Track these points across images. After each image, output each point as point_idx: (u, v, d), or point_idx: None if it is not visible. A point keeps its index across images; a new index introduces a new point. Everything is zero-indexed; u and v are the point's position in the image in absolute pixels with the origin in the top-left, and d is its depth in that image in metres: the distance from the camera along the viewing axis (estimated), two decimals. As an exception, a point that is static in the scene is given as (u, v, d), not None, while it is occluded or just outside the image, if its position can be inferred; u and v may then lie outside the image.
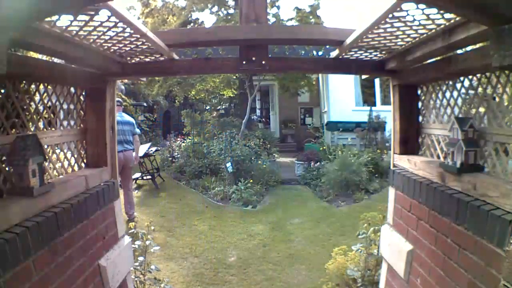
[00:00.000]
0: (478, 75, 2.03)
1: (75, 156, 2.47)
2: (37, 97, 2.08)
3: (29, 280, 1.55)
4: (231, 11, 12.35)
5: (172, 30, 8.78)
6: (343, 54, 2.52)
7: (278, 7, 12.40)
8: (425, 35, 1.91)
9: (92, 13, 1.55)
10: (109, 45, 2.10)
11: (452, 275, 1.87)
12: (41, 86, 2.12)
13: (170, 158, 11.36)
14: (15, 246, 1.46)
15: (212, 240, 5.90)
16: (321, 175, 8.76)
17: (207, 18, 36.98)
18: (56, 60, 2.18)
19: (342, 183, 8.08)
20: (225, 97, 15.25)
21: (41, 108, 2.10)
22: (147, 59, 2.56)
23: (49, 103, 2.18)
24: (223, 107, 17.40)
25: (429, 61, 2.26)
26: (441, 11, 1.54)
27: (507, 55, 1.22)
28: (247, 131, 11.90)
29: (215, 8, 12.53)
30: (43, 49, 1.77)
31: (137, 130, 6.86)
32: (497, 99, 1.87)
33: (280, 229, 6.39)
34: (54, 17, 1.53)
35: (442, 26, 1.72)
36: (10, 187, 1.72)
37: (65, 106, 2.36)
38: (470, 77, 2.10)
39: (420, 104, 2.74)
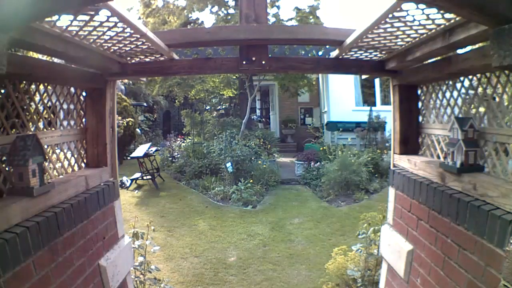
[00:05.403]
0: (478, 75, 2.03)
1: (75, 156, 2.47)
2: (37, 97, 2.08)
3: (29, 280, 1.55)
4: (231, 11, 12.34)
5: (172, 30, 8.78)
6: (343, 54, 2.52)
7: (278, 7, 12.40)
8: (425, 35, 1.91)
9: (92, 13, 1.55)
10: (109, 45, 2.10)
11: (452, 275, 1.87)
12: (41, 86, 2.12)
13: (170, 158, 11.36)
14: (15, 246, 1.46)
15: (212, 240, 5.91)
16: (321, 175, 8.76)
17: (207, 18, 36.97)
18: (56, 60, 2.18)
19: (342, 183, 8.08)
20: (225, 97, 15.25)
21: (41, 108, 2.10)
22: (147, 59, 2.56)
23: (49, 103, 2.18)
24: (223, 107, 17.39)
25: (429, 61, 2.27)
26: (441, 11, 1.54)
27: (507, 55, 1.22)
28: (247, 131, 11.89)
29: (215, 8, 12.53)
30: (43, 49, 1.77)
31: None
32: (497, 99, 1.87)
33: (280, 229, 6.39)
34: (54, 17, 1.53)
35: (442, 26, 1.72)
36: (10, 187, 1.72)
37: (65, 106, 2.36)
38: (470, 77, 2.11)
39: (420, 104, 2.74)
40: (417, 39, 2.00)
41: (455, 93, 2.26)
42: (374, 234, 3.48)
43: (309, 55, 2.74)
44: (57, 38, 1.69)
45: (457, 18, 1.58)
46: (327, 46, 2.68)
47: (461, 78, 2.18)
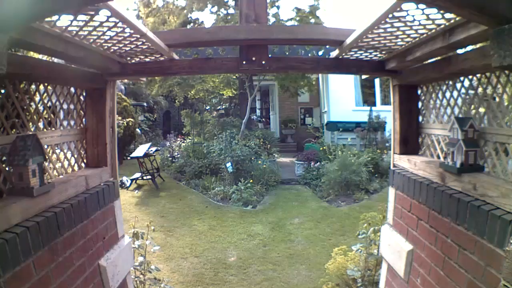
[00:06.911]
0: (478, 75, 2.03)
1: (75, 156, 2.47)
2: (37, 97, 2.08)
3: (29, 280, 1.55)
4: (231, 11, 12.34)
5: (172, 30, 8.78)
6: (343, 54, 2.52)
7: (278, 7, 12.39)
8: (425, 35, 1.91)
9: (92, 13, 1.55)
10: (109, 45, 2.10)
11: (452, 275, 1.87)
12: (41, 86, 2.12)
13: (170, 158, 11.36)
14: (15, 246, 1.46)
15: (212, 240, 5.91)
16: (321, 175, 8.76)
17: (207, 18, 37.03)
18: (56, 60, 2.18)
19: (342, 183, 8.08)
20: (225, 97, 15.24)
21: (41, 108, 2.10)
22: (147, 59, 2.56)
23: (49, 103, 2.18)
24: (223, 107, 17.39)
25: (429, 61, 2.27)
26: (441, 11, 1.54)
27: (507, 55, 1.22)
28: (247, 131, 11.89)
29: (215, 8, 12.53)
30: (43, 49, 1.77)
31: None
32: (497, 99, 1.87)
33: (280, 229, 6.39)
34: (54, 17, 1.53)
35: (442, 26, 1.73)
36: (10, 187, 1.72)
37: (65, 106, 2.36)
38: (470, 77, 2.11)
39: (420, 104, 2.74)
40: (417, 39, 2.00)
41: (455, 93, 2.26)
42: (374, 234, 3.48)
43: (309, 55, 2.74)
44: (57, 38, 1.69)
45: (457, 18, 1.58)
46: (327, 46, 2.68)
47: (461, 78, 2.18)
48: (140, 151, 9.70)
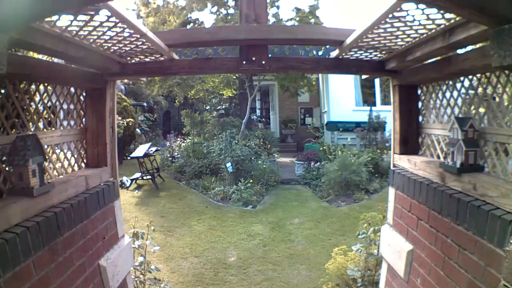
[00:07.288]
0: (478, 75, 2.03)
1: (75, 156, 2.47)
2: (37, 97, 2.08)
3: (29, 280, 1.55)
4: (231, 11, 12.34)
5: (172, 30, 8.78)
6: (343, 54, 2.52)
7: (278, 7, 12.40)
8: (425, 35, 1.91)
9: (92, 13, 1.55)
10: (109, 45, 2.10)
11: (452, 275, 1.87)
12: (41, 86, 2.12)
13: (170, 158, 11.36)
14: (15, 246, 1.46)
15: (212, 240, 5.91)
16: (321, 175, 8.76)
17: (207, 18, 37.06)
18: (56, 60, 2.18)
19: (342, 183, 8.08)
20: (225, 97, 15.24)
21: (41, 108, 2.10)
22: (147, 59, 2.56)
23: (49, 103, 2.18)
24: (223, 107, 17.40)
25: (429, 61, 2.27)
26: (441, 11, 1.54)
27: (507, 55, 1.22)
28: (247, 131, 11.89)
29: (215, 8, 12.53)
30: (43, 49, 1.77)
31: None
32: (497, 99, 1.87)
33: (280, 229, 6.39)
34: (54, 17, 1.53)
35: (442, 26, 1.73)
36: (10, 187, 1.72)
37: (65, 106, 2.36)
38: (470, 77, 2.11)
39: (420, 104, 2.74)
40: (417, 39, 2.00)
41: (455, 93, 2.26)
42: (374, 234, 3.48)
43: (309, 55, 2.74)
44: (57, 38, 1.69)
45: (457, 18, 1.58)
46: (327, 46, 2.68)
47: (461, 78, 2.18)
48: (140, 151, 9.70)
